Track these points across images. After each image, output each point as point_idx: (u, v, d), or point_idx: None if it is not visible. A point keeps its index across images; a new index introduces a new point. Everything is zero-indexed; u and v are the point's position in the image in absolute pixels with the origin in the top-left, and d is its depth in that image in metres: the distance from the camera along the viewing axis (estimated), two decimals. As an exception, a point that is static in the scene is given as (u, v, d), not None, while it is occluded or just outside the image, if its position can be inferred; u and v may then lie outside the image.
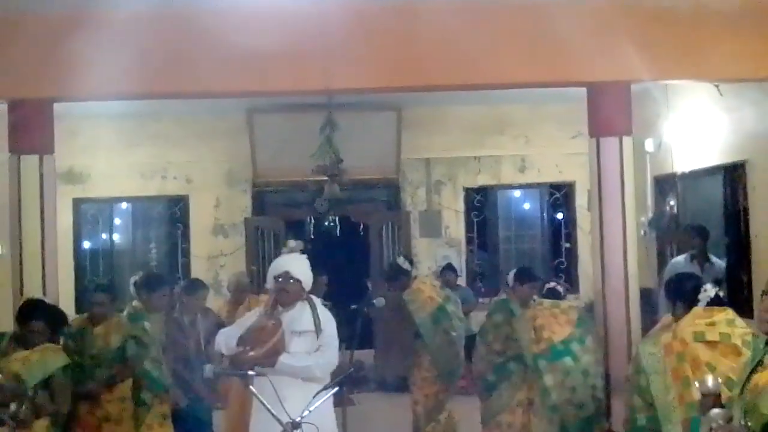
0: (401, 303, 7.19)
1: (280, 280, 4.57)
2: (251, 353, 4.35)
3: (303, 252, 4.82)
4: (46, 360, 4.81)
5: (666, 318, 4.51)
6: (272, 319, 4.48)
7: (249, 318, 4.63)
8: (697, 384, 3.32)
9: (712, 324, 3.85)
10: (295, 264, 4.66)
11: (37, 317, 4.95)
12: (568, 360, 5.60)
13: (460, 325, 7.15)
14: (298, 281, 4.59)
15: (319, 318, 4.56)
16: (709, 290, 4.02)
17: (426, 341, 6.97)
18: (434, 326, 6.96)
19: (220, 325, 6.70)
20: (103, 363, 5.68)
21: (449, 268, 9.98)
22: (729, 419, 3.15)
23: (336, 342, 4.60)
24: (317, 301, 4.71)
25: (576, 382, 5.58)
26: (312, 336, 4.53)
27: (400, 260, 7.64)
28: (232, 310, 7.04)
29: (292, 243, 4.79)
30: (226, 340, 4.54)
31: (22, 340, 4.88)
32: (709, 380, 3.29)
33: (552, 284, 6.30)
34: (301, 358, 4.42)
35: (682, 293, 4.10)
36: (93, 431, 5.61)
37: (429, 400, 7.14)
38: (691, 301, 4.00)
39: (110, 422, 5.67)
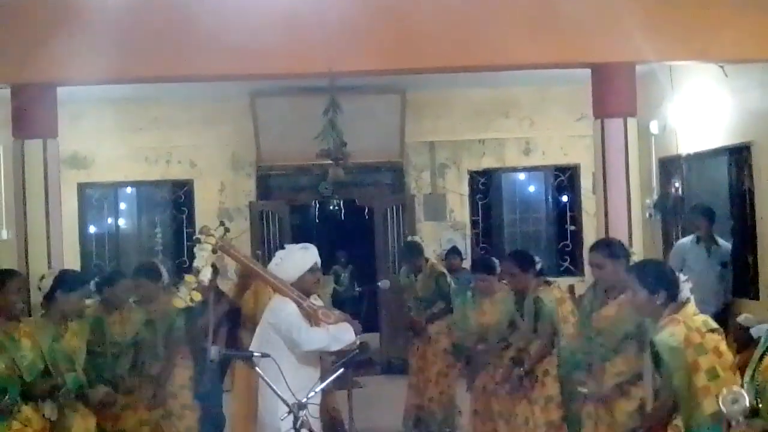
0: (438, 279, 7.32)
1: (314, 272, 4.69)
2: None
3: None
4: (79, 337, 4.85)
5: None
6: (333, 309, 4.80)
7: (294, 311, 4.55)
8: (721, 400, 3.21)
9: (696, 313, 3.84)
10: (317, 254, 4.77)
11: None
12: None
13: None
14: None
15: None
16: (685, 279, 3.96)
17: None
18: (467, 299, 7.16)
19: (234, 309, 6.74)
20: (122, 352, 5.56)
21: (454, 251, 9.99)
22: (747, 414, 3.14)
23: None
24: None
25: None
26: None
27: (417, 238, 7.81)
28: (238, 294, 7.05)
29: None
30: (338, 335, 4.52)
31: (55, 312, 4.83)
32: (736, 394, 3.22)
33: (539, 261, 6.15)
34: None
35: (667, 282, 3.88)
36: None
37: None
38: (672, 290, 3.86)
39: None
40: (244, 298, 6.95)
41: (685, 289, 3.86)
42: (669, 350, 3.66)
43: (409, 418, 7.42)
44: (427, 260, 7.71)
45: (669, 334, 3.69)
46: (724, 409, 3.14)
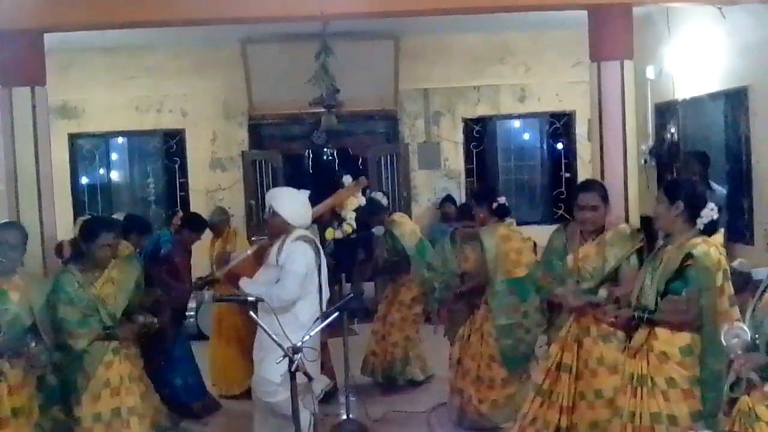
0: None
1: (266, 213, 4.92)
2: (216, 273, 5.13)
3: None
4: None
5: None
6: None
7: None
8: (723, 334, 3.29)
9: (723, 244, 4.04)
10: (280, 197, 4.92)
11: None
12: None
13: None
14: (279, 215, 4.83)
15: (281, 252, 4.77)
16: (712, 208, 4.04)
17: None
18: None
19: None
20: None
21: (448, 199, 9.98)
22: (748, 348, 3.21)
23: (293, 276, 4.73)
24: (295, 237, 4.82)
25: None
26: (275, 269, 4.80)
27: (378, 195, 7.51)
28: (213, 242, 7.23)
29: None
30: None
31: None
32: (738, 329, 3.28)
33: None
34: (259, 286, 4.73)
35: (687, 196, 3.97)
36: None
37: None
38: (692, 206, 3.94)
39: None
40: (215, 246, 7.28)
41: (707, 216, 3.87)
42: (704, 269, 3.74)
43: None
44: (390, 214, 7.51)
45: (704, 252, 3.76)
46: (724, 342, 3.21)
